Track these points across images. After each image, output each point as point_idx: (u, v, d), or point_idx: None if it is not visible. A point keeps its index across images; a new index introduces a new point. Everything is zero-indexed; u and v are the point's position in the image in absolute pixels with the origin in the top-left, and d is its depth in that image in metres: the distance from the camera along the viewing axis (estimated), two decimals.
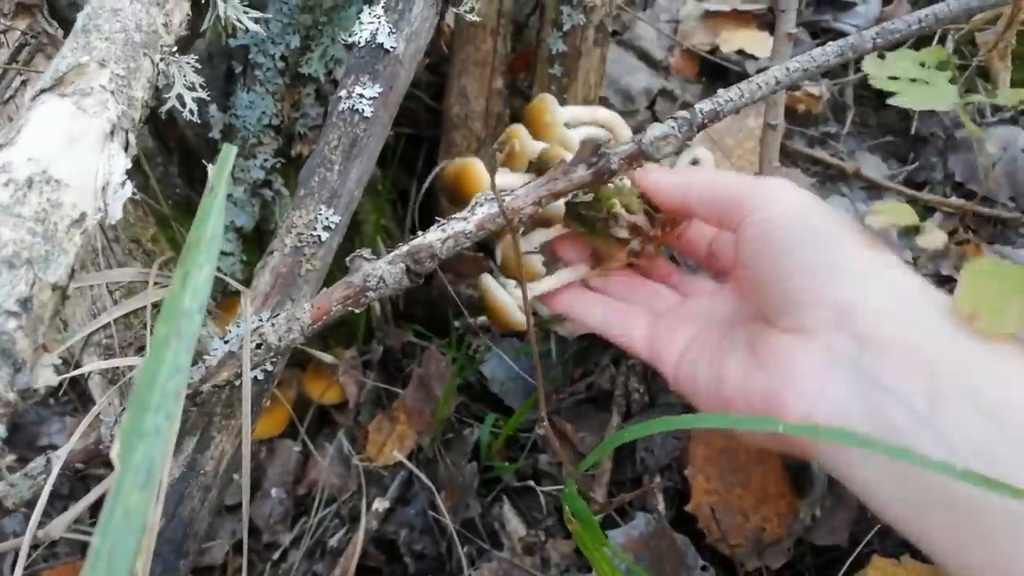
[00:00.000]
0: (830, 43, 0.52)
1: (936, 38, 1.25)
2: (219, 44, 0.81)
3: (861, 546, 0.77)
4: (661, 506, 0.87)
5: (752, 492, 0.81)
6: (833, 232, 0.49)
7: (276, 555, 0.92)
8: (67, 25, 0.56)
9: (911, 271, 0.47)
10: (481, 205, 0.52)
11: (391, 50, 0.65)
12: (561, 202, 0.59)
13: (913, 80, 0.56)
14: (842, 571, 0.75)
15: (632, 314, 0.63)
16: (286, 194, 0.89)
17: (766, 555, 0.78)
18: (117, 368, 0.61)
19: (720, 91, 0.51)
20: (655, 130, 0.50)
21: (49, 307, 0.41)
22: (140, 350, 0.61)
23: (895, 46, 0.55)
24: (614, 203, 0.60)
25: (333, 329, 1.06)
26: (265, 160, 0.85)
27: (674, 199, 0.58)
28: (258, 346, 0.52)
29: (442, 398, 0.92)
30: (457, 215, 0.52)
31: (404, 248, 0.51)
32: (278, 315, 0.52)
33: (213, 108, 0.83)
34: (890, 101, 0.53)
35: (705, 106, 0.51)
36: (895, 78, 0.55)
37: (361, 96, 0.64)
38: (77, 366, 0.61)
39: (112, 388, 0.58)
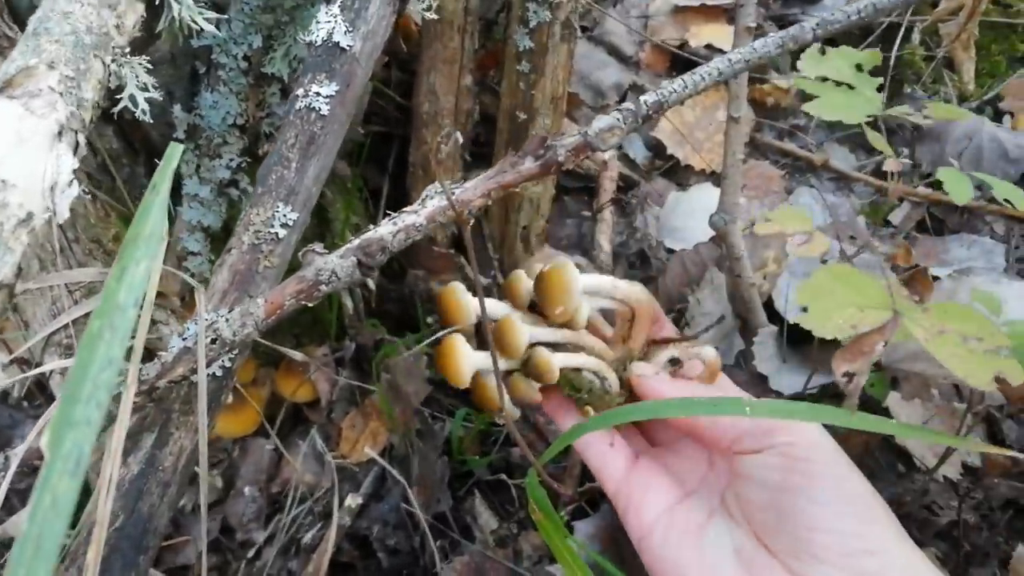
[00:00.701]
0: (772, 34, 0.53)
1: (902, 30, 1.27)
2: (182, 45, 0.81)
3: None
4: None
5: None
6: (859, 487, 0.52)
7: (250, 553, 0.92)
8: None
9: (921, 553, 0.51)
10: (431, 198, 0.52)
11: (347, 48, 0.66)
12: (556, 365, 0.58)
13: (839, 84, 0.56)
14: None
15: (614, 448, 0.62)
16: None
17: None
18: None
19: (664, 82, 0.52)
20: (600, 122, 0.51)
21: None
22: None
23: (836, 36, 0.56)
24: (588, 411, 0.60)
25: (306, 328, 1.07)
26: (231, 160, 0.86)
27: (678, 418, 0.58)
28: (213, 341, 0.52)
29: (412, 395, 0.93)
30: (408, 208, 0.53)
31: (355, 242, 0.52)
32: (232, 310, 0.53)
33: (177, 108, 0.84)
34: (804, 107, 0.54)
35: (649, 98, 0.52)
36: (825, 79, 0.56)
37: (318, 94, 0.64)
38: (39, 366, 0.61)
39: None
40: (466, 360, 0.57)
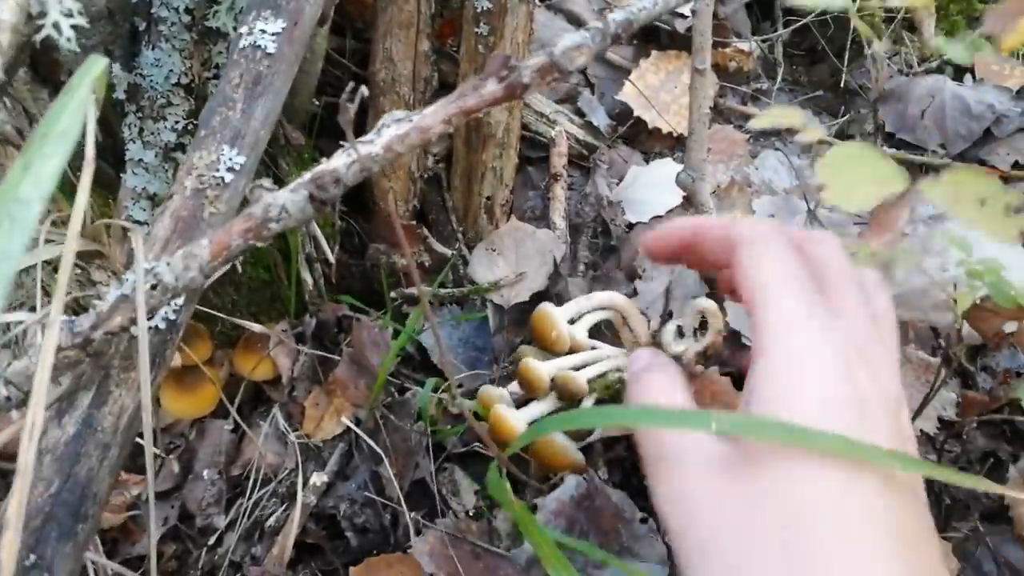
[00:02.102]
0: None
1: None
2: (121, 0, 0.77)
3: None
4: (603, 472, 0.85)
5: None
6: None
7: (211, 539, 0.87)
8: None
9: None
10: (388, 126, 0.49)
11: None
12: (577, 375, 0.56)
13: None
14: None
15: None
16: None
17: None
18: (8, 327, 0.56)
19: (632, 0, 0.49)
20: (567, 40, 0.48)
21: None
22: (31, 309, 0.56)
23: None
24: None
25: (264, 306, 1.02)
26: (176, 122, 0.81)
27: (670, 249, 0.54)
28: (153, 287, 0.48)
29: (382, 367, 0.89)
30: (363, 137, 0.49)
31: (307, 175, 0.48)
32: (174, 254, 0.49)
33: (117, 68, 0.79)
34: (788, 3, 0.52)
35: (618, 16, 0.49)
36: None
37: (263, 32, 0.60)
38: None
39: None
40: (516, 417, 0.55)
